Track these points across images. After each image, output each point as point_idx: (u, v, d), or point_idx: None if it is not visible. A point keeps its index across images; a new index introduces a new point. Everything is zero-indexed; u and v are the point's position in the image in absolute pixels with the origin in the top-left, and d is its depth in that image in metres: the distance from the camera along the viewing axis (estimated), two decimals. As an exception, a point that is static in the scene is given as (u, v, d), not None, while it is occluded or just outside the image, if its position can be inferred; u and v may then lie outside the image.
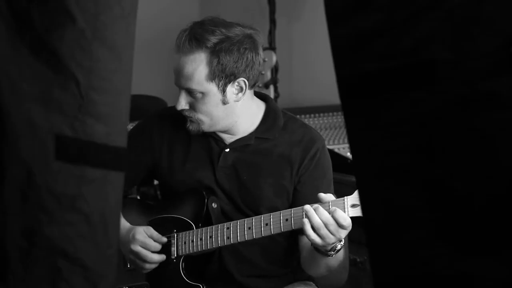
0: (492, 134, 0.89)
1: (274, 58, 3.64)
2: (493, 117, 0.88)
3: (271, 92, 3.63)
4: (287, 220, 1.86)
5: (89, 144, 1.07)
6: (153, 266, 2.04)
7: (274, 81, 3.63)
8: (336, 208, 1.79)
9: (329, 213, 1.78)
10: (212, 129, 2.01)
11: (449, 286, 0.95)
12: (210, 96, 1.94)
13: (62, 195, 1.06)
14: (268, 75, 3.62)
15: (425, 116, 0.92)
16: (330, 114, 3.23)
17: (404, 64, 0.92)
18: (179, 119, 2.08)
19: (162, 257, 2.03)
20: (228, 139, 2.05)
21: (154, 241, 2.03)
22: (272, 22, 3.75)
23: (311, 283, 2.11)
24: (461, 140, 0.91)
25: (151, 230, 2.04)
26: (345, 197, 1.82)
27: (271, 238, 2.01)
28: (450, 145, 0.92)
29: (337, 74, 0.99)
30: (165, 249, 2.04)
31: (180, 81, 1.95)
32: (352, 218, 1.80)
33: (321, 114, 3.23)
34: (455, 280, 0.94)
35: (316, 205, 1.80)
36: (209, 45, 1.91)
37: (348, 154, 2.82)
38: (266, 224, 1.88)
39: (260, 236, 1.89)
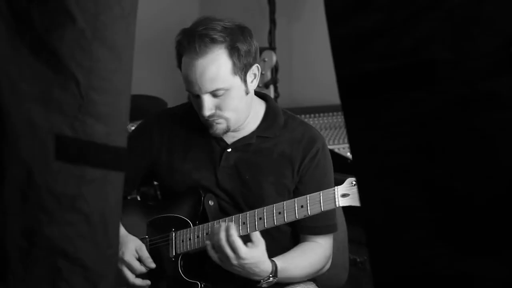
0: (492, 134, 0.89)
1: (274, 58, 3.64)
2: (493, 117, 0.88)
3: (271, 92, 3.63)
4: (279, 213, 1.88)
5: (89, 144, 1.07)
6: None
7: (274, 81, 3.63)
8: (233, 234, 1.85)
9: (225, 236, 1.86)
10: (236, 125, 2.01)
11: (449, 286, 0.95)
12: (235, 90, 1.95)
13: (62, 195, 1.06)
14: (268, 75, 3.62)
15: (425, 116, 0.92)
16: (330, 114, 3.23)
17: (404, 64, 0.92)
18: (179, 120, 2.08)
19: (145, 282, 2.03)
20: (230, 138, 2.05)
21: (142, 263, 2.03)
22: (272, 22, 3.75)
23: (311, 283, 2.11)
24: (461, 140, 0.91)
25: (143, 251, 2.05)
26: (336, 187, 1.84)
27: (270, 236, 2.01)
28: (450, 145, 0.91)
29: (337, 74, 0.99)
30: (164, 248, 2.04)
31: (203, 86, 1.92)
32: (348, 213, 1.83)
33: (321, 114, 3.23)
34: (455, 280, 0.94)
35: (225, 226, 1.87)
36: (224, 40, 1.91)
37: (348, 154, 2.82)
38: (260, 218, 1.89)
39: (254, 230, 1.90)
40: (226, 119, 1.97)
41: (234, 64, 1.92)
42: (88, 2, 1.03)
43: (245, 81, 1.96)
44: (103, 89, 1.06)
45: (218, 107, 1.95)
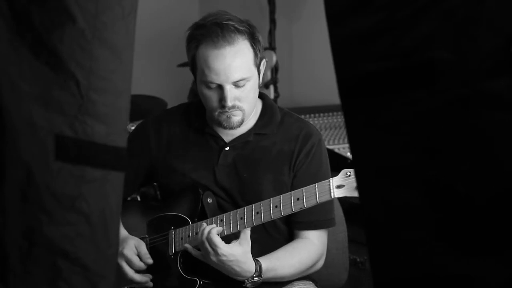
0: (492, 134, 0.89)
1: (274, 58, 3.65)
2: (493, 117, 0.88)
3: (271, 92, 3.63)
4: (276, 207, 1.87)
5: (89, 144, 1.07)
6: (132, 284, 2.06)
7: (274, 81, 3.64)
8: (212, 232, 1.89)
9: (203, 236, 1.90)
10: (247, 119, 2.03)
11: (449, 287, 0.95)
12: (254, 80, 1.98)
13: (62, 195, 1.07)
14: (268, 75, 3.62)
15: (425, 116, 0.92)
16: (330, 114, 3.23)
17: (404, 64, 0.92)
18: (177, 119, 2.09)
19: (143, 279, 2.04)
20: (228, 137, 2.05)
21: (141, 259, 2.04)
22: (272, 22, 3.76)
23: (311, 282, 2.11)
24: (461, 140, 0.91)
25: (141, 247, 2.06)
26: (331, 178, 1.84)
27: (269, 235, 2.02)
28: (450, 145, 0.92)
29: (337, 74, 0.99)
30: (163, 246, 2.05)
31: (231, 75, 1.93)
32: (348, 212, 1.82)
33: (321, 114, 3.23)
34: (455, 281, 0.94)
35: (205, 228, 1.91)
36: (246, 31, 1.95)
37: (348, 154, 2.82)
38: (257, 213, 1.89)
39: (251, 225, 1.90)
40: (243, 111, 1.98)
41: (255, 55, 1.96)
42: (88, 2, 1.03)
43: (259, 73, 2.00)
44: (103, 89, 1.06)
45: (237, 98, 1.96)
